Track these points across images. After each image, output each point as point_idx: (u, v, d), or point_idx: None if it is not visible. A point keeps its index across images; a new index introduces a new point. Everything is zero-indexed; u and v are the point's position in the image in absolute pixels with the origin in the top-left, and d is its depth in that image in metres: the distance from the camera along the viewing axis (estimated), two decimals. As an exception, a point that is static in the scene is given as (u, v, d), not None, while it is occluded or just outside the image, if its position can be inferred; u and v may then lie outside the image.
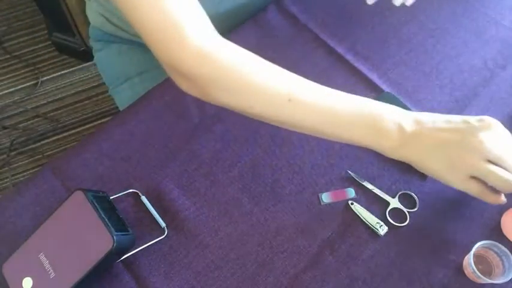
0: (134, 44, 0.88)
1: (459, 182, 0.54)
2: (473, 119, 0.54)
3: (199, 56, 0.50)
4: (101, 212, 0.57)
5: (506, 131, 0.55)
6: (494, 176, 0.52)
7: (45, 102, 1.62)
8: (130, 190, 0.65)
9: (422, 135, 0.53)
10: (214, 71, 0.50)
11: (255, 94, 0.51)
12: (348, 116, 0.53)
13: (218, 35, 0.54)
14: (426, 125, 0.54)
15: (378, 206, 0.64)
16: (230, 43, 0.53)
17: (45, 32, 1.72)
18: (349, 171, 0.66)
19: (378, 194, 0.65)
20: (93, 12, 0.89)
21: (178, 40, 0.50)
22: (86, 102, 1.63)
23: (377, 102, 0.55)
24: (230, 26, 0.81)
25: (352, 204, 0.64)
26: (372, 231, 0.63)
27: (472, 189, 0.55)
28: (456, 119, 0.55)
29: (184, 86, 0.54)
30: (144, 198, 0.64)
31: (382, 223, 0.62)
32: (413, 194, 0.65)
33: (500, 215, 0.64)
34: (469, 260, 0.57)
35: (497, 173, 0.52)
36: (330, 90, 0.55)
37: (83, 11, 0.98)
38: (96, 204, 0.58)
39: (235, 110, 0.53)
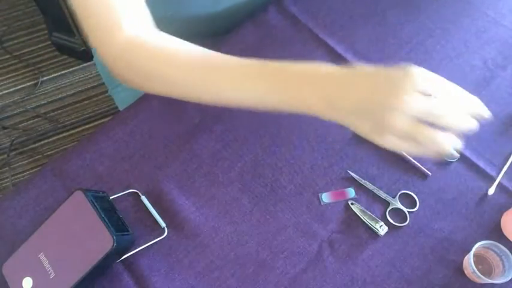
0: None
1: (386, 144, 0.48)
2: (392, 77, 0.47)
3: (126, 45, 0.54)
4: (101, 212, 0.57)
5: (431, 78, 0.48)
6: (422, 137, 0.47)
7: (45, 102, 1.62)
8: (130, 190, 0.65)
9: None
10: (136, 61, 0.55)
11: (171, 85, 0.55)
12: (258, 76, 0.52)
13: (154, 29, 0.57)
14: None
15: (378, 206, 0.64)
16: (162, 36, 0.56)
17: (45, 32, 1.72)
18: (349, 171, 0.66)
19: (378, 194, 0.65)
20: None
21: (111, 28, 0.53)
22: (86, 102, 1.63)
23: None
24: (229, 24, 0.81)
25: (352, 204, 0.64)
26: (372, 231, 0.63)
27: (405, 149, 0.49)
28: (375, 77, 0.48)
29: (112, 71, 0.57)
30: (144, 198, 0.64)
31: (382, 223, 0.62)
32: (413, 194, 0.65)
33: (500, 215, 0.64)
34: (469, 260, 0.57)
35: (424, 134, 0.46)
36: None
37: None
38: (96, 204, 0.58)
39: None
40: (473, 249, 0.57)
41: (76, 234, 0.57)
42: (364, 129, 0.49)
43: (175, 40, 0.56)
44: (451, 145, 0.47)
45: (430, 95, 0.46)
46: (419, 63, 0.75)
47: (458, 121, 0.47)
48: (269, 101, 0.52)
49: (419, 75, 0.45)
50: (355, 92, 0.47)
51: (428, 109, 0.45)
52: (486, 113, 0.50)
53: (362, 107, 0.47)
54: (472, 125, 0.49)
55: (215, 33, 0.83)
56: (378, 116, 0.46)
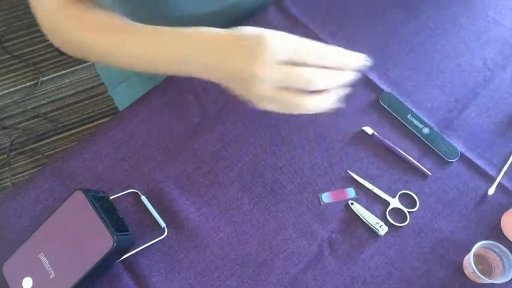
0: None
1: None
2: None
3: (51, 8, 0.58)
4: (101, 212, 0.57)
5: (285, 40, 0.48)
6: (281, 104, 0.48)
7: (45, 102, 1.62)
8: (130, 190, 0.65)
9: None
10: (54, 32, 0.60)
11: (83, 50, 0.59)
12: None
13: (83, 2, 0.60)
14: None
15: (378, 206, 0.64)
16: (78, 8, 0.58)
17: (45, 32, 1.72)
18: (349, 171, 0.66)
19: (378, 194, 0.65)
20: None
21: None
22: (86, 102, 1.63)
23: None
24: (229, 23, 0.81)
25: (352, 204, 0.64)
26: (372, 231, 0.63)
27: (277, 110, 0.50)
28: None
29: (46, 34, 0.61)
30: (144, 198, 0.64)
31: (382, 223, 0.62)
32: (413, 194, 0.65)
33: (500, 215, 0.64)
34: (469, 260, 0.57)
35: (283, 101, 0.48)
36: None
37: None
38: (96, 204, 0.58)
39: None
40: (473, 249, 0.57)
41: (76, 234, 0.57)
42: (243, 94, 0.50)
43: (97, 8, 0.59)
44: (318, 106, 0.49)
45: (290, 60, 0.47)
46: (420, 63, 0.75)
47: (323, 83, 0.47)
48: (161, 67, 0.55)
49: (274, 44, 0.46)
50: (226, 62, 0.49)
51: (285, 78, 0.46)
52: (359, 59, 0.49)
53: (232, 76, 0.49)
54: (341, 80, 0.49)
55: None
56: (244, 84, 0.48)
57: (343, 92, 0.51)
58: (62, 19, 0.58)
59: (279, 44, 0.46)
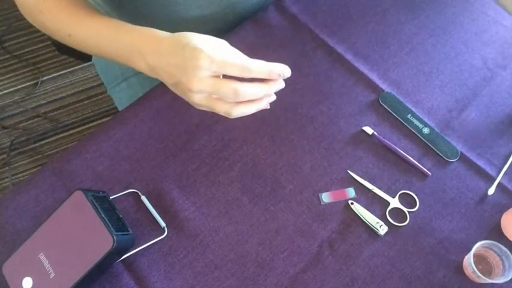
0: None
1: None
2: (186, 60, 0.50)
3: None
4: (101, 212, 0.57)
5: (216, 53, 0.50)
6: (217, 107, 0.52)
7: (45, 102, 1.62)
8: (130, 190, 0.65)
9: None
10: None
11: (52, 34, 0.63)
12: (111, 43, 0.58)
13: None
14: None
15: (378, 206, 0.64)
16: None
17: (45, 32, 1.72)
18: (349, 171, 0.66)
19: (378, 194, 0.65)
20: None
21: None
22: (86, 102, 1.62)
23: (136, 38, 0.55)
24: (229, 22, 0.81)
25: (352, 204, 0.64)
26: (372, 231, 0.63)
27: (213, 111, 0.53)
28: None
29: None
30: (144, 198, 0.64)
31: (382, 223, 0.62)
32: (413, 194, 0.65)
33: (500, 215, 0.64)
34: (469, 260, 0.57)
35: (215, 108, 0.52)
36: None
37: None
38: (96, 204, 0.58)
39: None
40: (473, 249, 0.57)
41: (76, 234, 0.57)
42: (183, 97, 0.54)
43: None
44: (247, 113, 0.53)
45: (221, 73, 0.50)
46: (420, 63, 0.75)
47: (247, 95, 0.51)
48: (110, 56, 0.59)
49: (204, 61, 0.48)
50: (164, 66, 0.52)
51: (213, 91, 0.50)
52: (282, 72, 0.52)
53: (169, 81, 0.53)
54: (267, 90, 0.52)
55: (215, 33, 0.83)
56: (180, 91, 0.53)
57: (272, 98, 0.55)
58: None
59: (208, 59, 0.49)
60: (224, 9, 0.77)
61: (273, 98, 0.55)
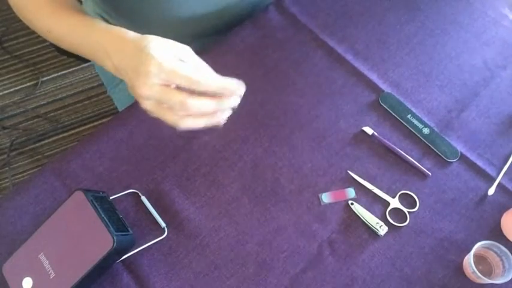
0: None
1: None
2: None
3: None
4: (101, 212, 0.57)
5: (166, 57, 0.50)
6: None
7: (45, 102, 1.62)
8: (130, 190, 0.65)
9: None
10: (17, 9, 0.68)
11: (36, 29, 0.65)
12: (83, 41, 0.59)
13: None
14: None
15: (378, 206, 0.64)
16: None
17: (45, 32, 1.72)
18: (349, 171, 0.66)
19: (378, 194, 0.65)
20: (90, 12, 0.89)
21: None
22: (86, 102, 1.62)
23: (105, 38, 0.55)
24: (225, 22, 0.81)
25: (352, 204, 0.64)
26: (372, 231, 0.63)
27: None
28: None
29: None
30: (144, 198, 0.64)
31: (382, 223, 0.62)
32: (413, 194, 0.65)
33: (500, 215, 0.64)
34: (469, 260, 0.57)
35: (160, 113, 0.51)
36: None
37: (82, 10, 0.98)
38: (96, 204, 0.58)
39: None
40: (473, 249, 0.57)
41: (76, 234, 0.57)
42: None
43: None
44: (194, 126, 0.52)
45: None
46: (420, 63, 0.75)
47: (194, 109, 0.50)
48: (80, 51, 0.60)
49: (154, 67, 0.48)
50: (125, 69, 0.52)
51: (161, 99, 0.49)
52: (235, 89, 0.51)
53: (129, 85, 0.52)
54: (217, 106, 0.51)
55: (211, 33, 0.83)
56: (133, 94, 0.52)
57: (225, 113, 0.53)
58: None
59: (158, 66, 0.48)
60: (220, 9, 0.77)
61: (227, 113, 0.53)
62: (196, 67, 0.52)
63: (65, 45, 0.62)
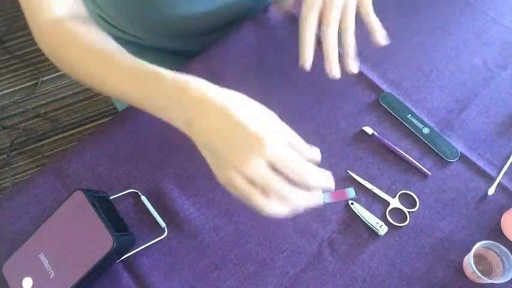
0: (131, 44, 0.88)
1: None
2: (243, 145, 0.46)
3: (49, 27, 0.59)
4: (101, 212, 0.57)
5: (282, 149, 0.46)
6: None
7: (45, 102, 1.62)
8: (130, 190, 0.65)
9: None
10: (47, 48, 0.61)
11: (72, 71, 0.60)
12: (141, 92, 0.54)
13: (81, 17, 0.61)
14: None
15: (378, 206, 0.64)
16: (80, 25, 0.59)
17: (45, 32, 1.72)
18: (349, 171, 0.66)
19: (378, 194, 0.65)
20: (89, 13, 0.89)
21: (40, 9, 0.59)
22: (86, 102, 1.63)
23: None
24: (223, 21, 0.81)
25: (352, 204, 0.64)
26: (372, 231, 0.63)
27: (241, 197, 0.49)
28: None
29: (41, 49, 0.62)
30: (144, 198, 0.64)
31: (382, 223, 0.62)
32: (413, 194, 0.65)
33: (500, 215, 0.64)
34: (469, 260, 0.57)
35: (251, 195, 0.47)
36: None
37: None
38: (96, 204, 0.58)
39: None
40: (473, 249, 0.57)
41: (76, 234, 0.57)
42: (212, 166, 0.49)
43: (91, 31, 0.59)
44: (279, 215, 0.48)
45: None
46: (420, 63, 0.75)
47: (294, 202, 0.47)
48: (145, 109, 0.54)
49: (272, 150, 0.45)
50: (212, 133, 0.47)
51: (263, 183, 0.46)
52: (327, 182, 0.49)
53: (213, 150, 0.47)
54: (310, 202, 0.48)
55: (210, 32, 0.83)
56: (222, 165, 0.47)
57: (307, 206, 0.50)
58: (55, 37, 0.59)
59: (274, 150, 0.45)
60: (219, 7, 0.77)
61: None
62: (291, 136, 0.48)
63: (105, 90, 0.57)
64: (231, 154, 0.46)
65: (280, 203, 0.47)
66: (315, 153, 0.50)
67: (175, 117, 0.50)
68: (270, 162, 0.45)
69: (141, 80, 0.52)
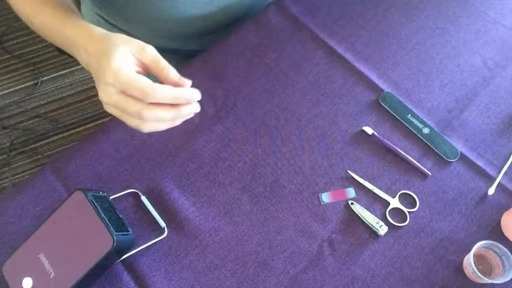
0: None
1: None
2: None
3: None
4: (101, 212, 0.57)
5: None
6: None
7: (45, 102, 1.62)
8: (130, 190, 0.65)
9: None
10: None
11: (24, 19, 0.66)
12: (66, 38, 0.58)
13: None
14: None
15: (378, 206, 0.64)
16: None
17: (45, 32, 1.72)
18: (349, 171, 0.66)
19: (378, 194, 0.65)
20: (88, 12, 0.89)
21: None
22: (86, 102, 1.62)
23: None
24: (223, 22, 0.81)
25: (352, 204, 0.64)
26: (372, 231, 0.63)
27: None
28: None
29: None
30: (144, 198, 0.64)
31: (382, 223, 0.62)
32: (413, 194, 0.65)
33: (500, 215, 0.64)
34: (469, 260, 0.57)
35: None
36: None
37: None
38: (96, 204, 0.58)
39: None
40: (473, 249, 0.57)
41: (76, 234, 0.57)
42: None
43: None
44: (156, 129, 0.53)
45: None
46: (420, 63, 0.75)
47: (150, 119, 0.51)
48: (59, 44, 0.60)
49: (109, 76, 0.49)
50: (91, 69, 0.53)
51: (118, 106, 0.50)
52: (192, 96, 0.52)
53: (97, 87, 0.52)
54: (174, 115, 0.52)
55: (209, 32, 0.83)
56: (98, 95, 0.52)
57: (186, 118, 0.54)
58: None
59: (113, 77, 0.49)
60: (218, 8, 0.77)
61: (189, 116, 0.54)
62: (157, 73, 0.52)
63: (45, 36, 0.63)
64: (96, 85, 0.51)
65: (154, 122, 0.52)
66: (171, 72, 0.52)
67: (78, 59, 0.56)
68: (119, 88, 0.49)
69: (63, 25, 0.58)
